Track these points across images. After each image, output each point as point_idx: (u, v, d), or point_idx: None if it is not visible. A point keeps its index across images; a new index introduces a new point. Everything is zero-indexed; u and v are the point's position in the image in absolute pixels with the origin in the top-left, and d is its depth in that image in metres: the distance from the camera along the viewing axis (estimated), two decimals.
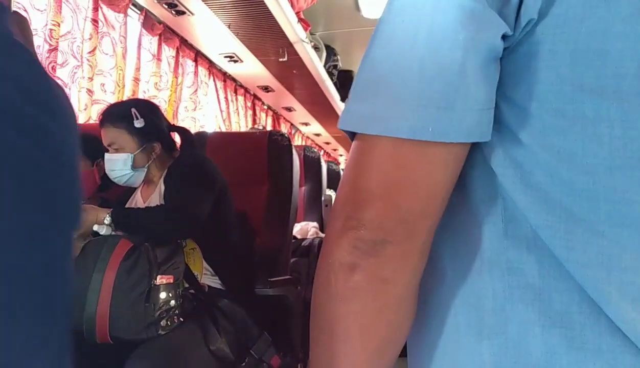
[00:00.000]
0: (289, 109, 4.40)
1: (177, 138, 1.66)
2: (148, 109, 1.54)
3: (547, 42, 0.39)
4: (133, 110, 1.47)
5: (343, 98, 4.17)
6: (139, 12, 2.31)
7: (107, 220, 1.30)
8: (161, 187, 1.50)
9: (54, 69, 1.80)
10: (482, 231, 0.45)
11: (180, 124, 2.72)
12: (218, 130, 3.18)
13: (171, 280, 1.27)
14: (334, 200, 0.46)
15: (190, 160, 1.54)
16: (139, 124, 1.46)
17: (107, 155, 1.49)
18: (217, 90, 3.22)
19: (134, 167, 1.49)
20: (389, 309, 0.44)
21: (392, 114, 0.41)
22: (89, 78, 1.99)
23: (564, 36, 0.38)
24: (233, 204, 1.63)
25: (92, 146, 1.59)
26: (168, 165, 1.53)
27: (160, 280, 1.24)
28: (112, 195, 1.67)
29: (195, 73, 2.89)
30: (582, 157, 0.38)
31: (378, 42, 0.44)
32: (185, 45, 2.72)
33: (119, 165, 1.48)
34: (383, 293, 0.43)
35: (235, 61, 3.01)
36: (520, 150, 0.41)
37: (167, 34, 2.52)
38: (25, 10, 1.72)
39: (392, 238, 0.42)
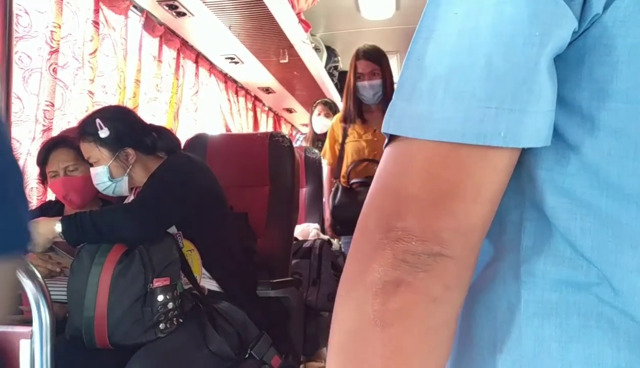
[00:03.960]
0: (290, 111, 4.40)
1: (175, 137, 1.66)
2: (112, 115, 1.50)
3: (605, 37, 0.36)
4: (97, 120, 1.45)
5: None
6: (139, 13, 2.31)
7: (58, 227, 1.28)
8: None
9: (55, 71, 1.80)
10: (498, 241, 0.43)
11: (182, 125, 2.73)
12: (219, 131, 3.18)
13: (167, 282, 1.26)
14: (363, 212, 0.41)
15: (171, 162, 1.51)
16: (103, 134, 1.44)
17: (91, 170, 1.50)
18: (218, 92, 3.22)
19: (112, 177, 1.48)
20: (436, 333, 0.39)
21: (453, 116, 0.36)
22: (90, 80, 2.00)
23: (623, 30, 0.36)
24: (227, 208, 1.62)
25: None
26: (156, 166, 1.50)
27: (156, 283, 1.24)
28: (113, 197, 1.67)
29: (196, 74, 2.89)
30: (634, 159, 0.36)
31: (425, 37, 0.39)
32: (186, 46, 2.72)
33: (98, 178, 1.48)
34: (432, 314, 0.38)
35: (236, 63, 3.01)
36: (566, 152, 0.39)
37: (168, 35, 2.52)
38: (27, 12, 1.73)
39: (449, 251, 0.37)
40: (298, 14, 2.72)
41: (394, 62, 4.44)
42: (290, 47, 2.75)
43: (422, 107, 0.38)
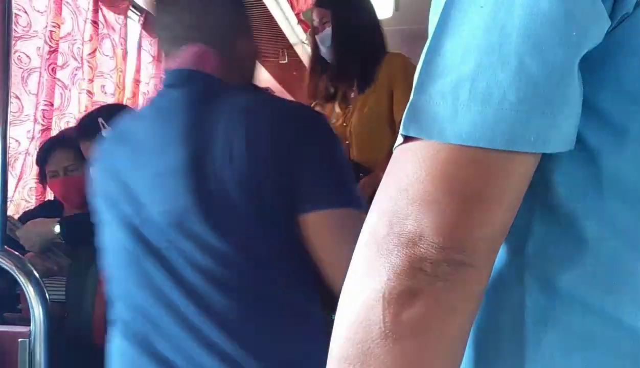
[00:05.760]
0: None
1: None
2: (115, 113, 1.51)
3: (633, 37, 0.35)
4: (100, 120, 1.44)
5: None
6: (139, 14, 2.31)
7: (57, 229, 1.29)
8: None
9: (54, 70, 1.80)
10: (502, 246, 0.42)
11: None
12: None
13: None
14: (371, 217, 0.39)
15: None
16: (106, 133, 1.44)
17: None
18: None
19: None
20: (451, 347, 0.37)
21: (480, 119, 0.34)
22: (89, 80, 2.00)
23: None
24: None
25: None
26: None
27: None
28: None
29: None
30: None
31: (446, 31, 0.36)
32: None
33: None
34: (448, 327, 0.36)
35: None
36: (583, 156, 0.37)
37: None
38: (26, 12, 1.73)
39: (471, 260, 0.35)
40: (297, 15, 2.72)
41: None
42: (289, 47, 2.75)
43: (444, 107, 0.35)
